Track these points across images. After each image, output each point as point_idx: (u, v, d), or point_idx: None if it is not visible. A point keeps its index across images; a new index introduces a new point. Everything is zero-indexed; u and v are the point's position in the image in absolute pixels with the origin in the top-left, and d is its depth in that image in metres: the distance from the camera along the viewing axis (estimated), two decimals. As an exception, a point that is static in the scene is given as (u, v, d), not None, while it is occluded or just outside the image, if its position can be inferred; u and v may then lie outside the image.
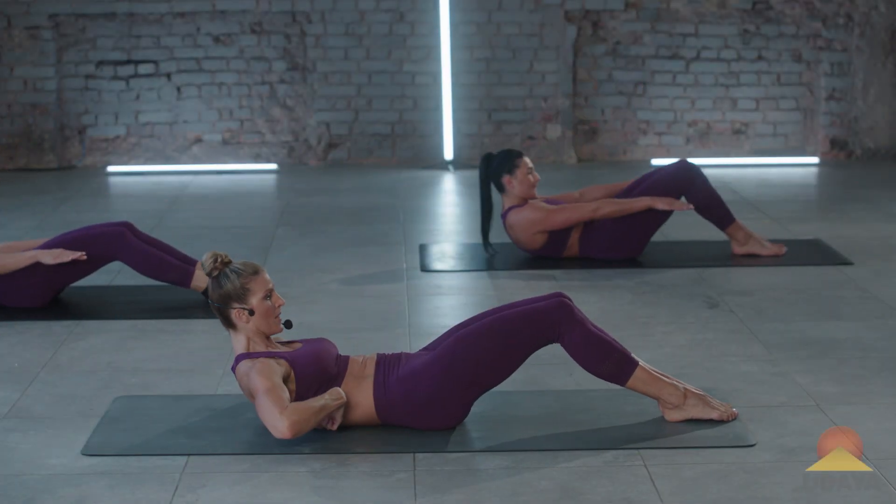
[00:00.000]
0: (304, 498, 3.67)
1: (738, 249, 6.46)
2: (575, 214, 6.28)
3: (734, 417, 4.19)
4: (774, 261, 6.36)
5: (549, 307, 4.09)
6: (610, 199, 6.29)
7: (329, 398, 4.02)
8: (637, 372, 4.11)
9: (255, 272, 4.13)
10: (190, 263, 5.71)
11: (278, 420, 3.89)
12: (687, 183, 6.38)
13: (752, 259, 6.38)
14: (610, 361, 4.09)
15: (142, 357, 4.99)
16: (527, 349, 4.11)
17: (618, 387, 4.44)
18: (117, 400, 4.46)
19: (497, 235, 6.61)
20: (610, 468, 3.84)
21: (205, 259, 4.13)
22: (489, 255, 6.45)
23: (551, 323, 4.07)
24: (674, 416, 4.17)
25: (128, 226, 5.66)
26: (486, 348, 4.08)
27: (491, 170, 6.33)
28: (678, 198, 6.35)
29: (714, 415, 4.16)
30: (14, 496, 3.69)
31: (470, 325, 4.18)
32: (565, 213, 6.27)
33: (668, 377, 4.20)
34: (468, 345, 4.08)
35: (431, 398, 4.06)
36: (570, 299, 4.16)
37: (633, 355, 4.15)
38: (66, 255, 5.46)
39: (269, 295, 4.12)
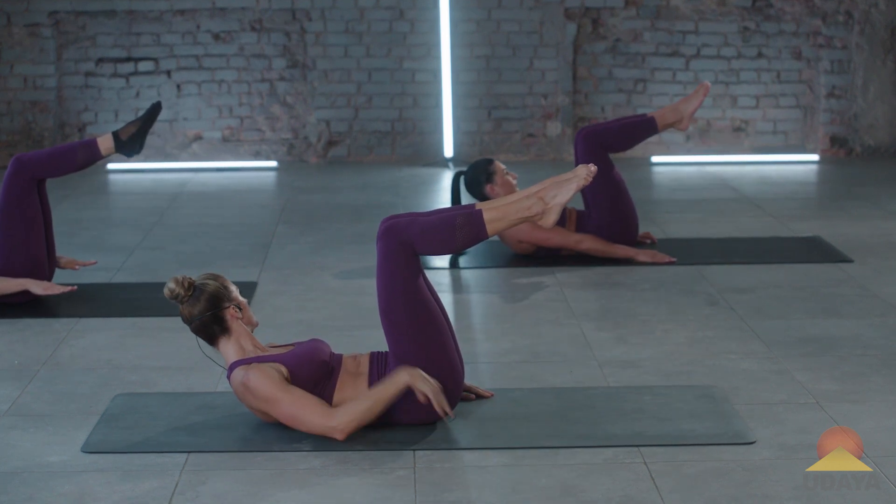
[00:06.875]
0: (304, 495, 3.67)
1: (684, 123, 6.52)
2: (557, 238, 6.27)
3: (593, 173, 4.09)
4: (774, 258, 6.36)
5: (379, 237, 4.08)
6: (594, 238, 6.27)
7: (387, 386, 3.99)
8: (486, 215, 4.06)
9: (218, 274, 4.23)
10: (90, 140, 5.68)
11: (331, 419, 3.95)
12: (595, 148, 6.32)
13: (751, 256, 6.38)
14: (460, 228, 4.05)
15: (141, 354, 4.99)
16: (408, 278, 4.06)
17: (617, 385, 4.45)
18: (117, 397, 4.47)
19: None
20: (610, 466, 3.84)
21: (171, 287, 4.12)
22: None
23: (395, 244, 4.05)
24: (548, 218, 4.10)
25: (17, 157, 5.56)
26: (399, 306, 4.09)
27: (468, 185, 6.35)
28: (606, 160, 6.31)
29: (573, 185, 4.08)
30: (14, 493, 3.69)
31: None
32: (550, 233, 6.26)
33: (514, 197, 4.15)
34: (397, 314, 4.10)
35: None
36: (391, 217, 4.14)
37: (475, 207, 4.10)
38: (56, 289, 5.49)
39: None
